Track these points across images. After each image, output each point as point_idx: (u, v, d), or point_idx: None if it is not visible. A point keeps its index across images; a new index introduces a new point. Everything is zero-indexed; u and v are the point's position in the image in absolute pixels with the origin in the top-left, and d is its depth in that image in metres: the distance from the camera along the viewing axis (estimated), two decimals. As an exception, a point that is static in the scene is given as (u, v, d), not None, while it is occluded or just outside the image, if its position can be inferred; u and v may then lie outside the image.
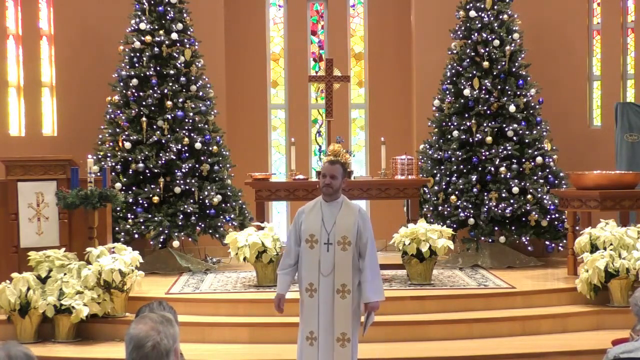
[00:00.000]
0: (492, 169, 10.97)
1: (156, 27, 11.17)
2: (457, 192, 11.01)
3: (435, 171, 11.29)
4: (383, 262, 10.28)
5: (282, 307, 6.25)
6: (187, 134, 10.91)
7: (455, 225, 10.79)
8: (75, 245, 8.96)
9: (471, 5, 11.42)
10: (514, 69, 11.26)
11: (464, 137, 11.13)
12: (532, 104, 11.28)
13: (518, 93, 11.18)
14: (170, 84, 11.01)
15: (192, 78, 11.22)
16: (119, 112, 11.02)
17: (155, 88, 10.99)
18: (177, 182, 10.77)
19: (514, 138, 11.06)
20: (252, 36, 12.98)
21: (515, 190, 10.82)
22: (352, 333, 6.07)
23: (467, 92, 11.15)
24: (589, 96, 12.49)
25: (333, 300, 6.03)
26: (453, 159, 11.10)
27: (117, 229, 10.48)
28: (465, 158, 11.11)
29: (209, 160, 11.03)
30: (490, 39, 11.24)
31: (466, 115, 11.21)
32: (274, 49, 13.24)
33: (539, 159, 11.01)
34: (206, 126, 11.12)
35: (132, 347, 3.05)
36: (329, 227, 6.07)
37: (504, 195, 10.85)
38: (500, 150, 10.97)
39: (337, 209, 6.13)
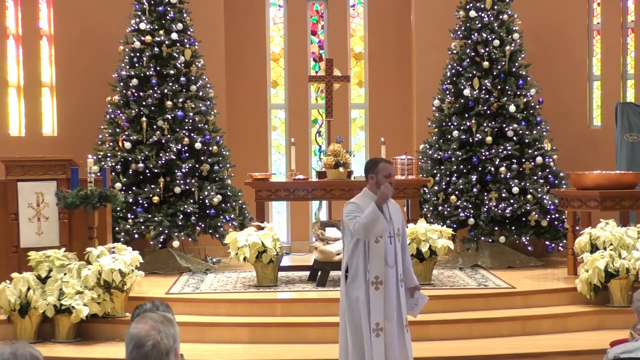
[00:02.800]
0: (492, 169, 10.97)
1: (156, 27, 11.17)
2: (457, 192, 11.01)
3: (435, 171, 11.29)
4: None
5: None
6: (187, 134, 10.91)
7: (455, 225, 10.79)
8: (75, 245, 8.96)
9: (471, 5, 11.42)
10: (514, 69, 11.26)
11: (464, 137, 11.13)
12: (532, 104, 11.28)
13: (518, 93, 11.18)
14: (170, 84, 11.01)
15: (192, 78, 11.22)
16: (119, 112, 11.02)
17: (155, 88, 10.99)
18: (177, 182, 10.77)
19: (514, 138, 11.07)
20: (252, 36, 12.98)
21: (515, 190, 10.82)
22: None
23: (467, 92, 11.16)
24: (589, 96, 12.49)
25: (397, 290, 6.25)
26: (453, 159, 11.11)
27: (117, 229, 10.48)
28: (465, 158, 11.11)
29: (209, 160, 11.03)
30: (490, 39, 11.24)
31: (466, 115, 11.21)
32: (274, 49, 13.24)
33: (539, 159, 11.01)
34: (206, 126, 11.13)
35: (132, 346, 3.05)
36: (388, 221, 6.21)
37: (504, 195, 10.85)
38: (500, 150, 10.97)
39: (387, 205, 6.26)
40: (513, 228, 11.00)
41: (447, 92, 11.42)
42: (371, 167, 6.33)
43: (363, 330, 6.19)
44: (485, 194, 10.96)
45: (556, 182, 11.15)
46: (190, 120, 10.98)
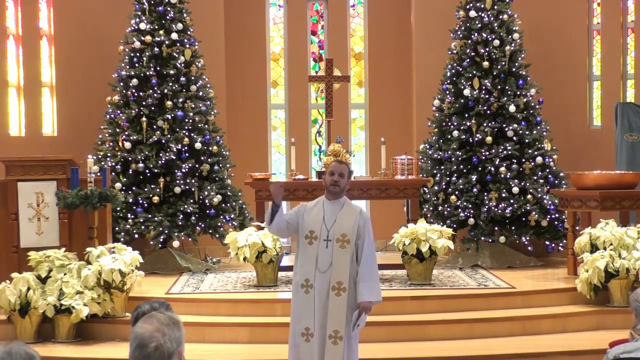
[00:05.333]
0: (492, 169, 10.97)
1: (156, 27, 11.17)
2: (457, 192, 11.01)
3: (435, 171, 11.30)
4: (383, 262, 10.35)
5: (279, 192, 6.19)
6: (187, 134, 10.92)
7: (455, 225, 10.79)
8: (75, 245, 8.96)
9: (471, 5, 11.42)
10: (514, 69, 11.26)
11: (464, 137, 11.13)
12: (532, 104, 11.28)
13: (518, 93, 11.18)
14: (170, 84, 11.01)
15: (192, 78, 11.22)
16: (119, 112, 11.02)
17: (155, 88, 10.99)
18: (177, 182, 10.77)
19: (514, 138, 11.07)
20: (252, 36, 12.98)
21: (515, 190, 10.82)
22: (346, 331, 6.05)
23: (467, 92, 11.16)
24: (589, 96, 12.49)
25: (328, 297, 6.04)
26: (453, 159, 11.11)
27: (117, 229, 10.48)
28: (465, 158, 11.11)
29: (209, 160, 11.03)
30: (490, 39, 11.24)
31: (466, 115, 11.22)
32: (274, 49, 13.24)
33: (539, 159, 11.01)
34: (206, 126, 11.13)
35: (135, 346, 3.06)
36: (329, 225, 6.12)
37: (504, 195, 10.86)
38: (500, 150, 10.97)
39: (338, 208, 6.20)
40: (513, 228, 11.00)
41: (447, 92, 11.42)
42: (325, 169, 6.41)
43: (290, 335, 6.11)
44: (485, 194, 10.96)
45: (556, 182, 11.15)
46: (190, 120, 10.98)
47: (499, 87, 11.18)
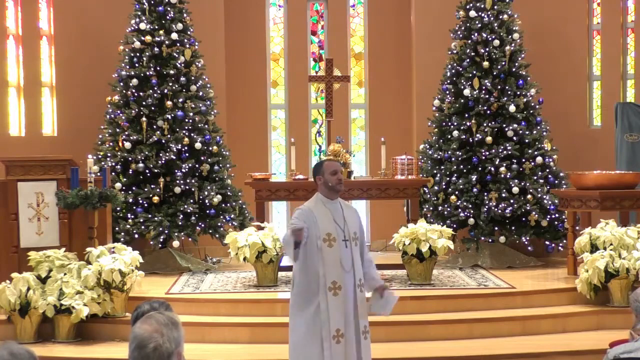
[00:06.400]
0: (492, 169, 10.97)
1: (156, 27, 11.17)
2: (457, 192, 11.01)
3: (435, 171, 11.30)
4: (383, 262, 10.36)
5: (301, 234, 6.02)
6: (187, 134, 10.92)
7: (455, 225, 10.79)
8: (75, 245, 8.96)
9: (471, 5, 11.42)
10: (514, 69, 11.26)
11: (464, 137, 11.13)
12: (532, 104, 11.28)
13: (518, 93, 11.18)
14: (170, 84, 11.01)
15: (192, 78, 11.22)
16: (119, 112, 11.02)
17: (155, 88, 10.99)
18: (177, 182, 10.77)
19: (514, 138, 11.07)
20: (252, 36, 12.98)
21: (515, 190, 10.82)
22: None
23: (467, 92, 11.16)
24: (589, 96, 12.49)
25: (355, 295, 6.10)
26: (453, 159, 11.11)
27: (117, 229, 10.48)
28: (465, 158, 11.11)
29: (209, 160, 11.03)
30: (490, 39, 11.24)
31: (466, 115, 11.22)
32: (274, 49, 13.24)
33: (539, 159, 11.02)
34: (206, 126, 11.13)
35: (134, 346, 3.07)
36: (341, 225, 6.13)
37: (504, 195, 10.86)
38: (500, 150, 10.97)
39: (339, 207, 6.21)
40: (513, 228, 11.00)
41: (447, 92, 11.42)
42: (317, 169, 6.26)
43: (323, 338, 6.02)
44: (485, 194, 10.96)
45: (556, 182, 11.15)
46: (190, 120, 10.98)
47: (499, 87, 11.18)
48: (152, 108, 10.98)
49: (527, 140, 11.08)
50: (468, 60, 11.33)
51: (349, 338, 6.04)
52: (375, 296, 6.23)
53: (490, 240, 11.02)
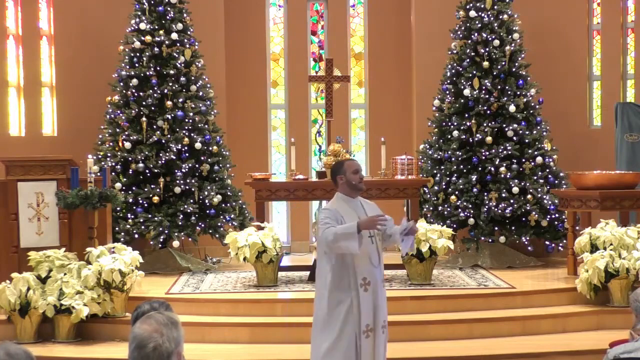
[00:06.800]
0: (492, 169, 10.97)
1: (156, 27, 11.17)
2: (457, 192, 11.01)
3: (435, 171, 11.30)
4: (383, 262, 10.34)
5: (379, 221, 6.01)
6: (187, 134, 10.92)
7: (455, 225, 10.79)
8: (75, 245, 8.96)
9: (471, 5, 11.42)
10: (514, 69, 11.26)
11: (464, 137, 11.13)
12: (532, 104, 11.28)
13: (518, 93, 11.18)
14: (170, 84, 11.02)
15: (192, 78, 11.22)
16: (119, 112, 11.02)
17: (155, 88, 10.99)
18: (177, 182, 10.77)
19: (514, 138, 11.07)
20: (252, 36, 12.98)
21: (515, 190, 10.82)
22: None
23: (467, 92, 11.16)
24: (589, 96, 12.49)
25: (379, 291, 6.17)
26: (453, 159, 11.11)
27: (117, 229, 10.48)
28: (465, 158, 11.12)
29: (209, 160, 11.03)
30: (490, 39, 11.24)
31: (466, 115, 11.22)
32: (274, 49, 13.24)
33: (539, 159, 11.02)
34: (206, 126, 11.13)
35: (134, 346, 3.08)
36: None
37: (504, 195, 10.86)
38: (500, 150, 10.97)
39: (360, 205, 6.26)
40: (513, 228, 11.00)
41: (447, 92, 11.43)
42: (338, 169, 6.27)
43: (355, 334, 6.05)
44: (485, 194, 10.96)
45: (556, 182, 11.15)
46: (190, 120, 10.98)
47: (499, 87, 11.18)
48: (152, 108, 10.98)
49: (527, 140, 11.08)
50: (468, 60, 11.33)
51: (376, 332, 6.12)
52: (407, 240, 6.24)
53: (490, 240, 11.02)
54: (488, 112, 11.14)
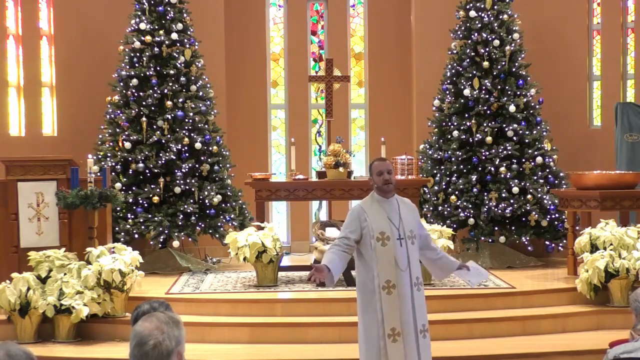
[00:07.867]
0: (492, 169, 10.97)
1: (156, 27, 11.17)
2: (457, 192, 11.01)
3: (435, 171, 11.30)
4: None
5: (319, 278, 5.93)
6: (187, 134, 10.92)
7: (455, 225, 10.80)
8: (75, 245, 8.96)
9: (471, 5, 11.43)
10: (514, 69, 11.26)
11: (464, 137, 11.14)
12: (532, 104, 11.29)
13: (518, 93, 11.18)
14: (170, 84, 11.02)
15: (192, 78, 11.22)
16: (119, 112, 11.03)
17: (155, 88, 10.99)
18: (177, 182, 10.77)
19: (514, 138, 11.07)
20: (252, 36, 12.98)
21: (515, 190, 10.82)
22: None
23: (467, 92, 11.16)
24: (589, 96, 12.49)
25: (412, 294, 6.08)
26: (453, 159, 11.11)
27: (117, 229, 10.48)
28: (465, 158, 11.12)
29: (209, 160, 11.03)
30: (490, 39, 11.24)
31: (466, 115, 11.22)
32: (274, 49, 13.24)
33: (539, 159, 11.02)
34: (206, 126, 11.13)
35: (135, 344, 3.08)
36: (397, 223, 6.11)
37: (504, 195, 10.86)
38: (500, 150, 10.97)
39: (395, 205, 6.21)
40: (513, 228, 11.00)
41: (447, 92, 11.43)
42: (370, 170, 6.31)
43: (378, 337, 6.02)
44: (485, 194, 10.96)
45: (556, 182, 11.15)
46: (190, 120, 10.98)
47: (499, 87, 11.19)
48: (152, 108, 10.98)
49: (527, 140, 11.08)
50: (468, 60, 11.33)
51: (407, 337, 6.03)
52: (463, 273, 6.34)
53: (490, 240, 11.02)
54: (488, 112, 11.14)
